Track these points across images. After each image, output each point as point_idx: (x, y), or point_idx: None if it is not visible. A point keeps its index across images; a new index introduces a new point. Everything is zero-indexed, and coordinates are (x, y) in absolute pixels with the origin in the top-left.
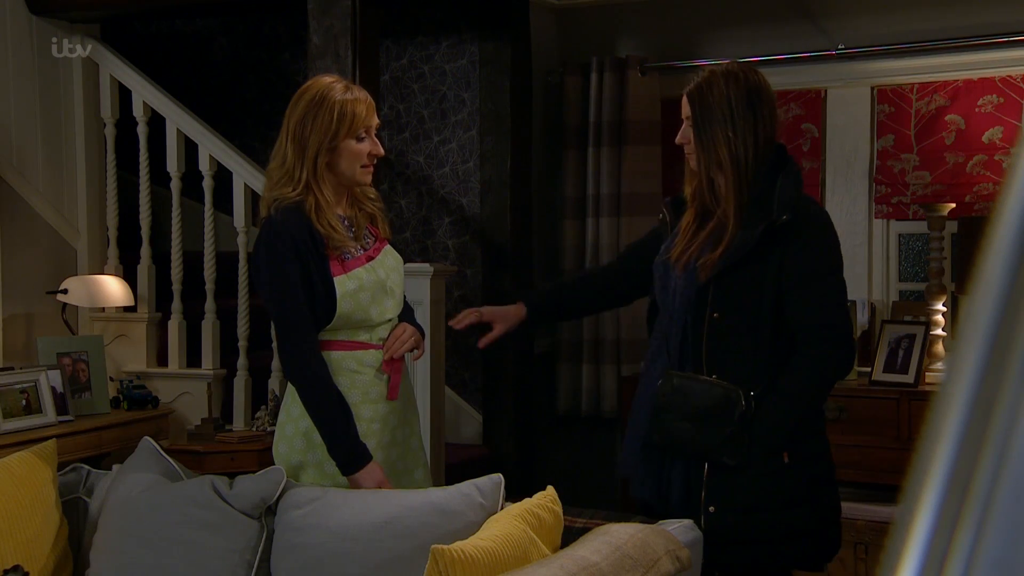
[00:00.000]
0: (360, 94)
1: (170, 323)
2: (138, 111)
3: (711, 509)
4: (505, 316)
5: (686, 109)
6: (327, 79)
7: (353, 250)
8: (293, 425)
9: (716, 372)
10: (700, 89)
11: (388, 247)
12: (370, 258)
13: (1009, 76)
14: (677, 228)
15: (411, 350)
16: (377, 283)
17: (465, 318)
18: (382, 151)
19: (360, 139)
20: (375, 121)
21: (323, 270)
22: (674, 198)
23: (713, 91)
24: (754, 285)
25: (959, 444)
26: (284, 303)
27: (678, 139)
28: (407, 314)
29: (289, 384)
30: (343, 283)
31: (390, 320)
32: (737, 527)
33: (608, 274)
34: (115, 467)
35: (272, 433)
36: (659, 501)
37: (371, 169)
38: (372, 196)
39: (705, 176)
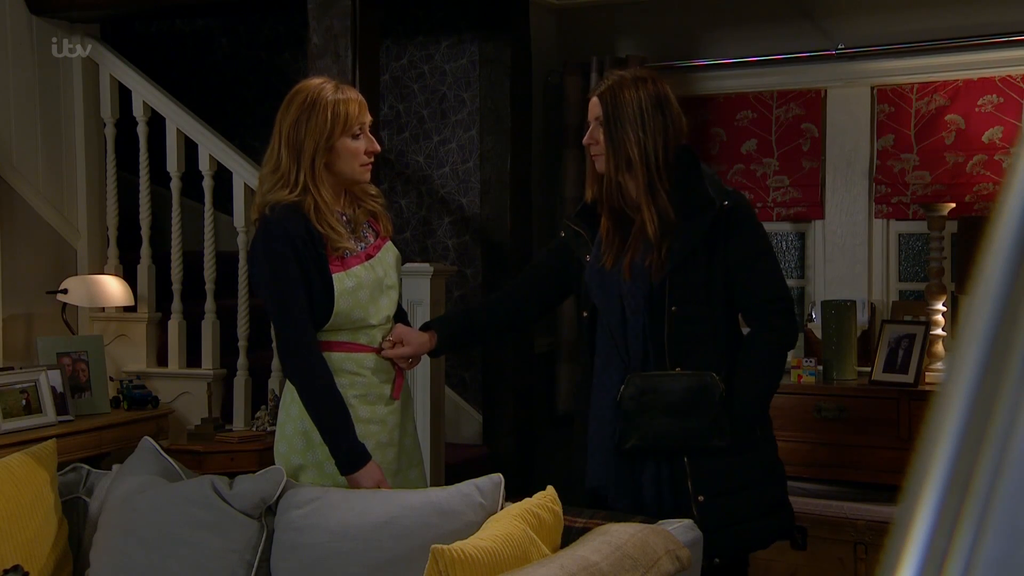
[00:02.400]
0: (351, 93)
1: (170, 323)
2: (138, 111)
3: (700, 498)
4: (417, 339)
5: (596, 110)
6: (316, 81)
7: (352, 248)
8: (292, 425)
9: (680, 364)
10: (612, 91)
11: (389, 244)
12: (369, 256)
13: (1009, 76)
14: (598, 236)
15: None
16: (375, 281)
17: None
18: (378, 147)
19: (355, 137)
20: (368, 118)
21: (321, 267)
22: (579, 211)
23: (624, 93)
24: (705, 273)
25: (959, 443)
26: (283, 302)
27: (586, 140)
28: (400, 318)
29: (288, 383)
30: (341, 280)
31: (388, 318)
32: (729, 509)
33: (519, 294)
34: (115, 467)
35: (272, 433)
36: (634, 508)
37: (370, 166)
38: (373, 193)
39: (613, 178)
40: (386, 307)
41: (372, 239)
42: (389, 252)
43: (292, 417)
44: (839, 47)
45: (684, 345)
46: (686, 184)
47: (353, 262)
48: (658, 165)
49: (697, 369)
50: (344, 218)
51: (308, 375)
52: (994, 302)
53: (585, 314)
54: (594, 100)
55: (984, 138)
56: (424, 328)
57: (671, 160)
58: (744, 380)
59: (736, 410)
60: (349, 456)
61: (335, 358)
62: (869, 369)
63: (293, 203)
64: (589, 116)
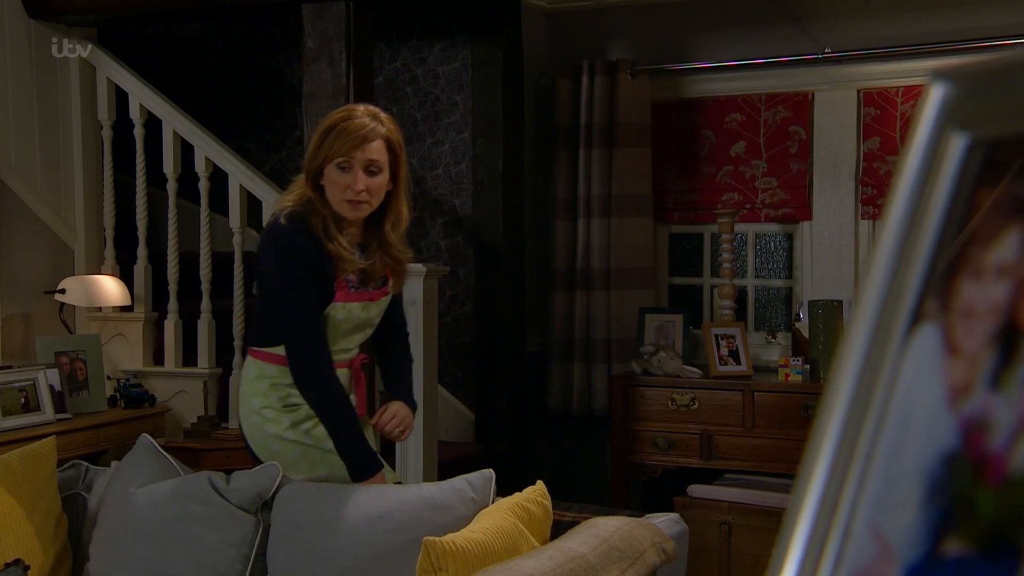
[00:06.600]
0: (355, 123)
1: (166, 322)
2: (135, 113)
3: None
4: None
5: None
6: (352, 106)
7: (358, 281)
8: (257, 400)
9: None
10: None
11: (392, 296)
12: (371, 299)
13: None
14: None
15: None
16: (363, 321)
17: None
18: (362, 187)
19: (343, 168)
20: (359, 155)
21: (322, 287)
22: None
23: None
24: None
25: (849, 409)
26: (298, 309)
27: None
28: (404, 377)
29: (244, 370)
30: (336, 309)
31: (352, 350)
32: None
33: None
34: (113, 464)
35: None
36: None
37: (358, 205)
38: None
39: None
40: (356, 341)
41: (379, 285)
42: (388, 298)
43: (249, 395)
44: (826, 51)
45: None
46: None
47: (355, 298)
48: None
49: None
50: (357, 250)
51: (323, 381)
52: (879, 289)
53: None
54: None
55: None
56: None
57: None
58: None
59: None
60: (365, 462)
61: (286, 371)
62: None
63: (302, 216)
64: None
